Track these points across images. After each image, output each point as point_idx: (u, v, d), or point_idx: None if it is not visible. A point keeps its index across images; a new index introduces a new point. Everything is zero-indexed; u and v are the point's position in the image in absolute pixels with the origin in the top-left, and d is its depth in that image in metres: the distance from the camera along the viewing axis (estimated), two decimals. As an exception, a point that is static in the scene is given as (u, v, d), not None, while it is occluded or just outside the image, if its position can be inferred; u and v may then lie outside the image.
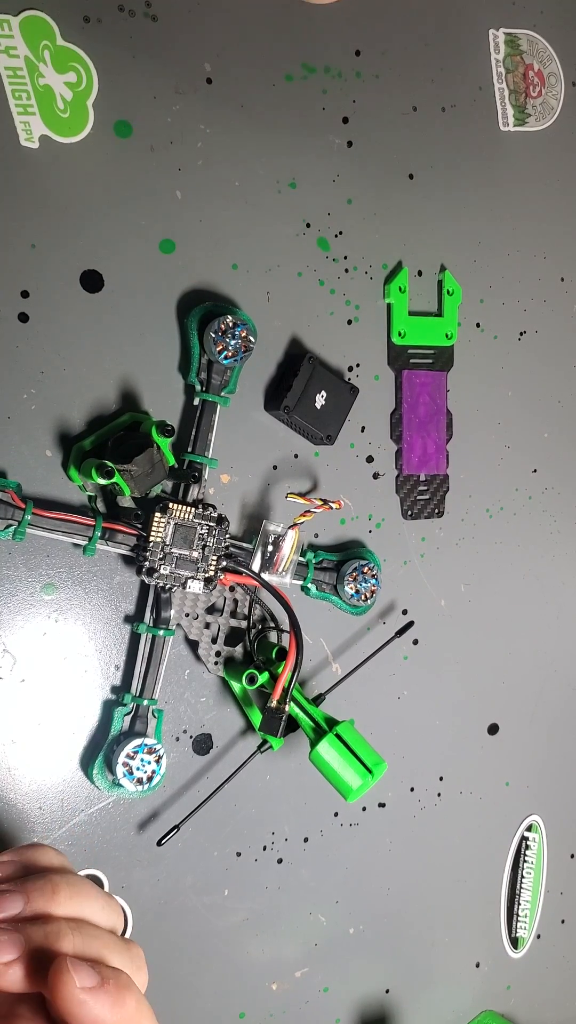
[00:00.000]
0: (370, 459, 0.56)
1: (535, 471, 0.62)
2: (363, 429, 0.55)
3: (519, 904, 0.64)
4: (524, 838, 0.64)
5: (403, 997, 0.60)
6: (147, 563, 0.46)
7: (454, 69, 0.57)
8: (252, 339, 0.48)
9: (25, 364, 0.46)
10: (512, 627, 0.62)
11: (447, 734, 0.60)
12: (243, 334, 0.48)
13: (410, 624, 0.55)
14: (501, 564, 0.61)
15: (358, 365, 0.55)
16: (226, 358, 0.48)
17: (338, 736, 0.48)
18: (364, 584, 0.53)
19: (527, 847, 0.64)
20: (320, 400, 0.52)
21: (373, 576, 0.54)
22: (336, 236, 0.54)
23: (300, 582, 0.53)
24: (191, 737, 0.51)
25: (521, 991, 0.64)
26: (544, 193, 0.61)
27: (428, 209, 0.57)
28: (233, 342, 0.48)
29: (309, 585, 0.53)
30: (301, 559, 0.53)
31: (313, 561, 0.53)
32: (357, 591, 0.53)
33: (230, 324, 0.47)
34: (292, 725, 0.50)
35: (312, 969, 0.56)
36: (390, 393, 0.56)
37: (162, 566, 0.46)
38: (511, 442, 0.61)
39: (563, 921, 0.66)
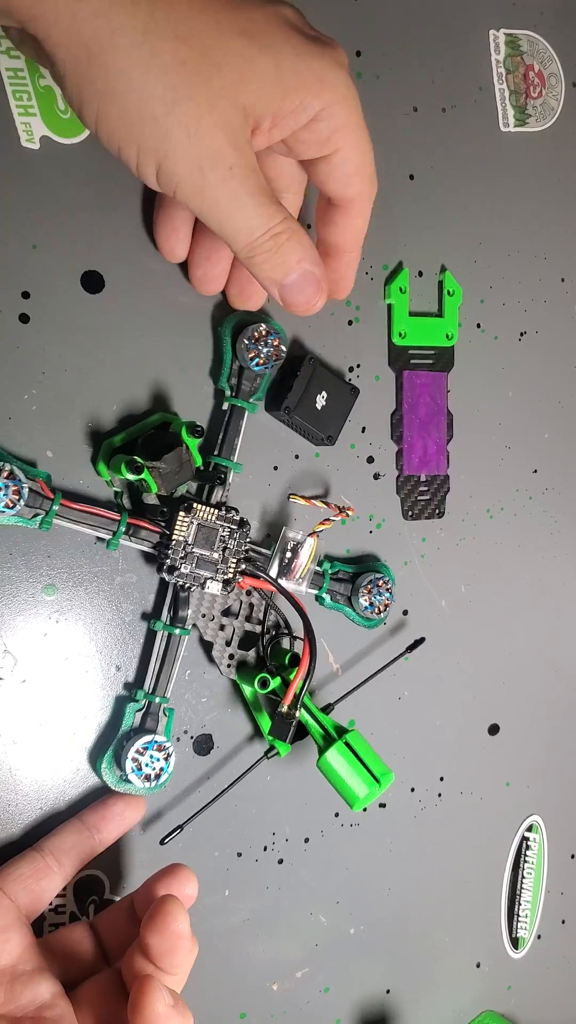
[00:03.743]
0: (371, 460, 0.56)
1: (535, 471, 0.62)
2: (364, 430, 0.55)
3: (520, 904, 0.64)
4: (524, 838, 0.64)
5: (404, 997, 0.60)
6: (168, 560, 0.47)
7: (454, 70, 0.57)
8: (284, 348, 0.49)
9: (26, 365, 0.46)
10: (513, 627, 0.62)
11: (448, 734, 0.60)
12: (275, 343, 0.49)
13: (421, 640, 0.55)
14: (502, 564, 0.61)
15: (358, 366, 0.55)
16: (257, 365, 0.49)
17: (347, 744, 0.48)
18: (378, 597, 0.54)
19: (527, 847, 0.64)
20: (321, 401, 0.52)
21: (388, 590, 0.54)
22: (337, 237, 0.53)
23: (315, 591, 0.53)
24: (192, 737, 0.51)
25: (522, 991, 0.64)
26: (545, 194, 0.61)
27: (428, 209, 0.57)
28: (265, 350, 0.49)
29: (324, 595, 0.53)
30: (317, 568, 0.53)
31: (329, 571, 0.53)
32: (371, 603, 0.54)
33: (263, 332, 0.49)
34: (300, 733, 0.50)
35: (313, 969, 0.56)
36: (390, 394, 0.56)
37: (183, 564, 0.47)
38: (511, 442, 0.61)
39: (564, 921, 0.66)
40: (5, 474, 0.43)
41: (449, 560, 0.59)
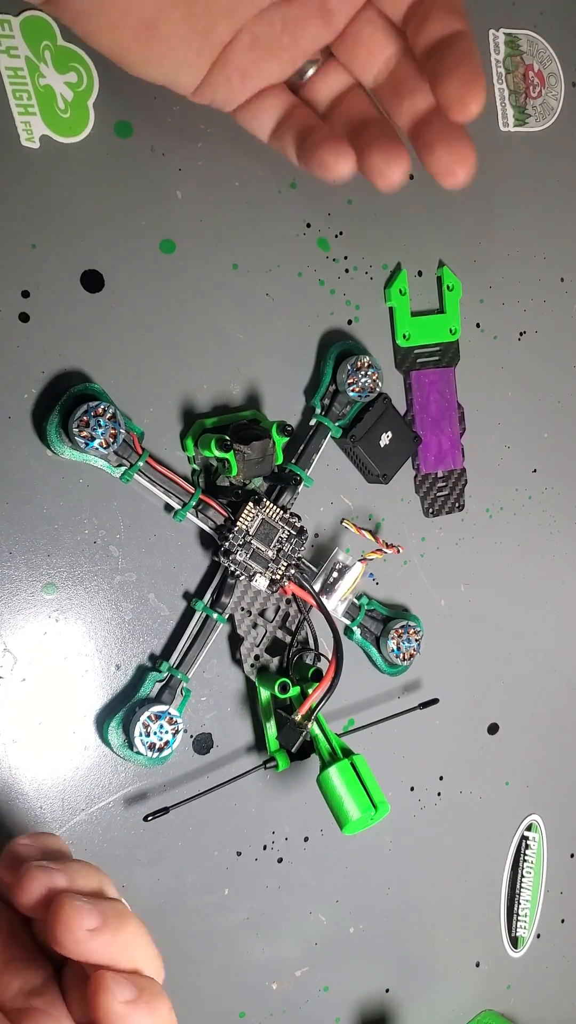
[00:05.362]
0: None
1: (535, 471, 0.62)
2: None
3: (519, 903, 0.64)
4: (524, 837, 0.64)
5: (403, 996, 0.60)
6: (227, 544, 0.48)
7: (454, 69, 0.57)
8: (379, 384, 0.52)
9: (26, 364, 0.46)
10: (512, 627, 0.62)
11: (447, 734, 0.60)
12: (374, 376, 0.52)
13: (434, 700, 0.57)
14: (501, 564, 0.61)
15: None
16: (353, 391, 0.51)
17: (352, 765, 0.48)
18: (407, 644, 0.55)
19: (527, 847, 0.64)
20: (385, 439, 0.53)
21: (417, 640, 0.55)
22: (336, 236, 0.54)
23: (348, 621, 0.54)
24: (191, 736, 0.51)
25: (521, 990, 0.64)
26: (544, 193, 0.61)
27: (428, 209, 0.57)
28: (363, 380, 0.51)
29: (355, 628, 0.54)
30: (355, 600, 0.54)
31: (366, 606, 0.54)
32: (399, 648, 0.55)
33: (365, 364, 0.51)
34: (304, 752, 0.50)
35: (312, 968, 0.56)
36: (400, 395, 0.56)
37: (239, 551, 0.48)
38: (511, 442, 0.61)
39: (563, 920, 0.66)
40: (108, 415, 0.44)
41: (449, 560, 0.59)
